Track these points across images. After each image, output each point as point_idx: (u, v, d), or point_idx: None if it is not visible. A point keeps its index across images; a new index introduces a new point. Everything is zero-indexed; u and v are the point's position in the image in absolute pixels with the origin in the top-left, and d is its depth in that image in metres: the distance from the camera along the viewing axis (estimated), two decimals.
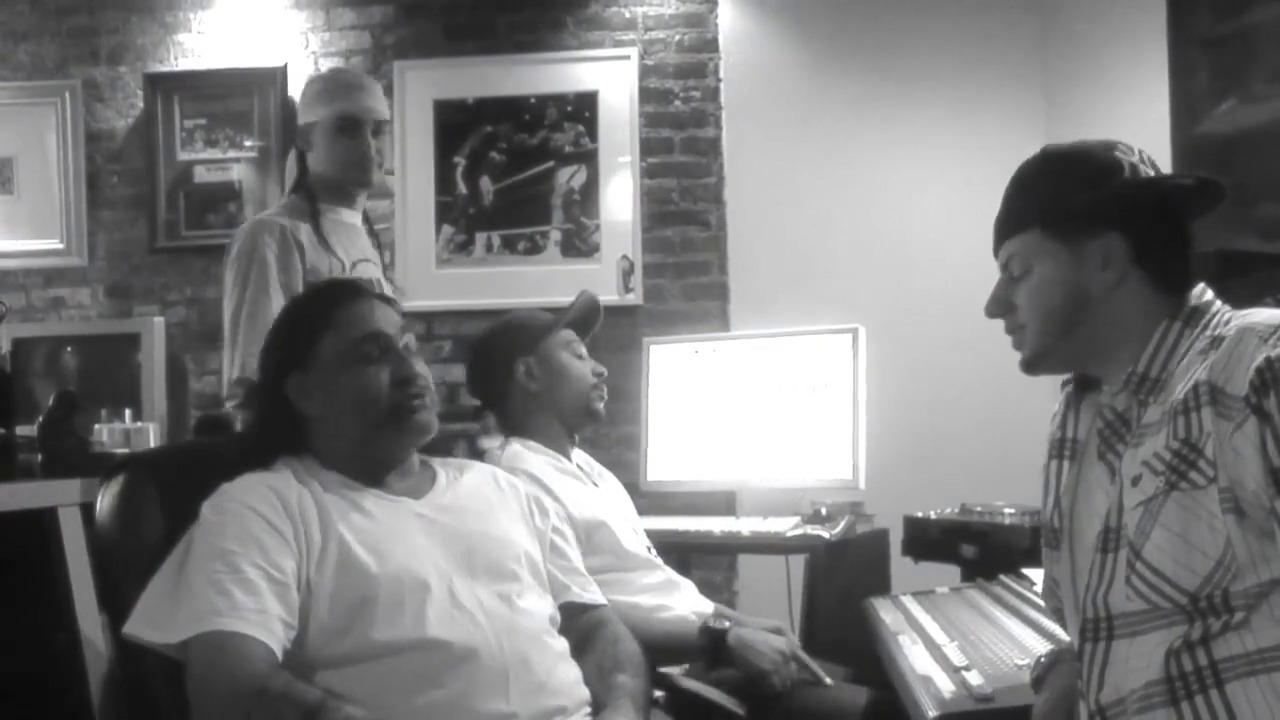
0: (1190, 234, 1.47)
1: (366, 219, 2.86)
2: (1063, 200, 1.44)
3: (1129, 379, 1.41)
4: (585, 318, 2.52)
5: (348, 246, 2.71)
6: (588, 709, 1.68)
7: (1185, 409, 1.29)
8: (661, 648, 2.03)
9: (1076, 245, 1.43)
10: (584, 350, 2.46)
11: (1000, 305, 1.52)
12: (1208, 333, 1.36)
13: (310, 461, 1.76)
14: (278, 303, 2.51)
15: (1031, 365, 1.52)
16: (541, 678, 1.63)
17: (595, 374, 2.43)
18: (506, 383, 2.39)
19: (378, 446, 1.76)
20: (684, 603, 2.28)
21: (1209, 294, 1.44)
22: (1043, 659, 1.60)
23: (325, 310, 1.78)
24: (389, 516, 1.70)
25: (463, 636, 1.59)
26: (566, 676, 1.69)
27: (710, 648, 2.11)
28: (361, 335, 1.74)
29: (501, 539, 1.78)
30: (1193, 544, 1.26)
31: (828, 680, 2.17)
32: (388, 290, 2.72)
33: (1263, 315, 1.32)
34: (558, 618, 1.80)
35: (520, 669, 1.61)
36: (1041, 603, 1.97)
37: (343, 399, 1.73)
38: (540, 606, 1.76)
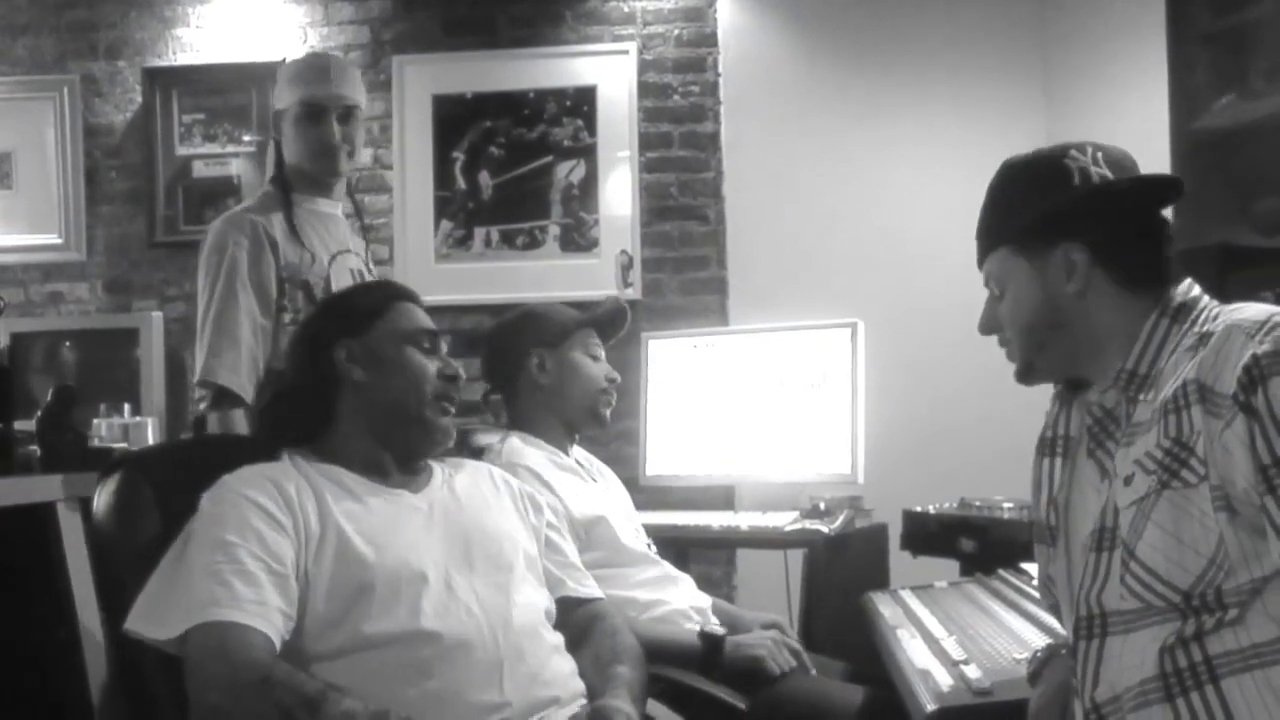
0: (1161, 225, 1.47)
1: (356, 209, 2.81)
2: (1017, 217, 1.47)
3: (1118, 376, 1.41)
4: (610, 322, 2.50)
5: (325, 238, 2.64)
6: (582, 700, 1.69)
7: (1175, 407, 1.30)
8: (663, 655, 2.04)
9: (1039, 259, 1.46)
10: (601, 353, 2.45)
11: (990, 324, 1.56)
12: (1195, 329, 1.37)
13: (310, 454, 1.78)
14: (246, 304, 2.47)
15: (1023, 377, 1.55)
16: (535, 669, 1.64)
17: (608, 379, 2.42)
18: (516, 372, 2.39)
19: (400, 439, 1.79)
20: (681, 597, 2.29)
21: (1195, 289, 1.44)
22: (1039, 653, 1.60)
23: (387, 299, 1.88)
24: (387, 509, 1.72)
25: (457, 627, 1.60)
26: (560, 669, 1.70)
27: (709, 652, 2.11)
28: (419, 327, 1.85)
29: (498, 533, 1.80)
30: (1185, 542, 1.26)
31: (812, 670, 2.20)
32: (361, 268, 2.70)
33: (1249, 311, 1.32)
34: (553, 611, 1.81)
35: (514, 661, 1.62)
36: (1038, 598, 1.98)
37: (392, 372, 1.80)
38: (536, 600, 1.77)
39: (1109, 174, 1.44)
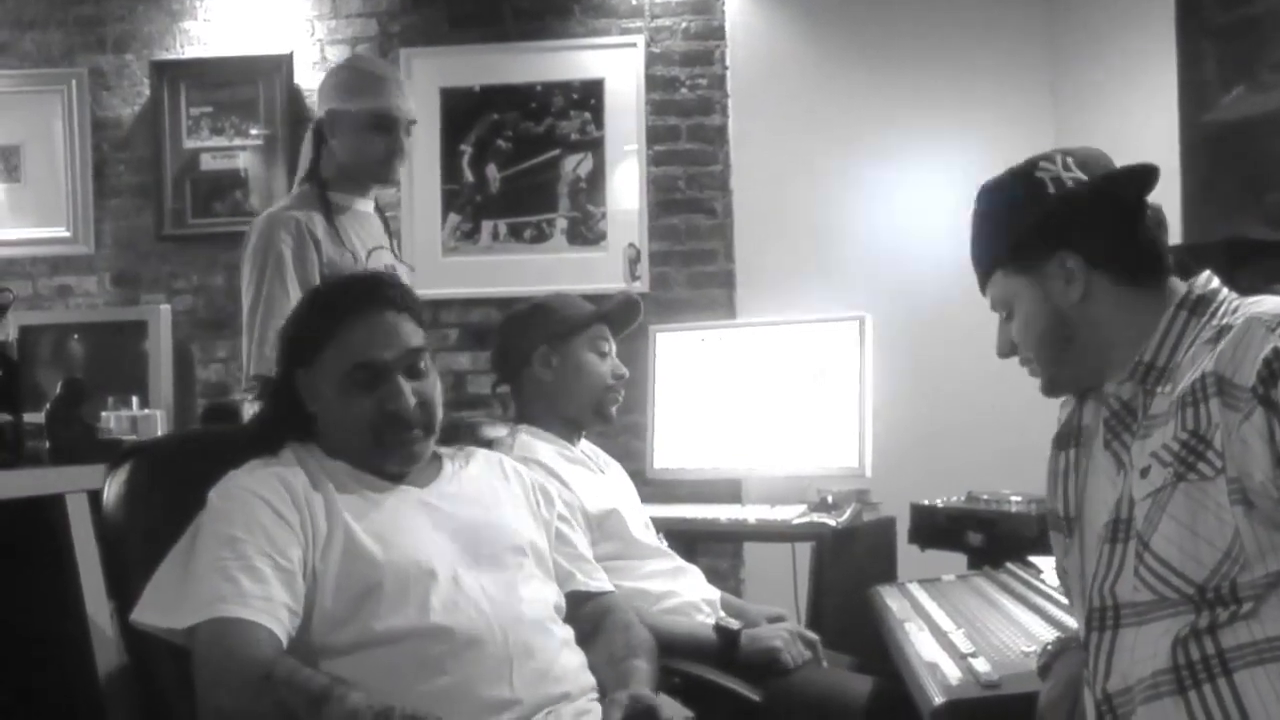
0: (1148, 214, 1.46)
1: (378, 207, 2.86)
2: (1003, 239, 1.48)
3: (1135, 368, 1.41)
4: (622, 315, 2.48)
5: (362, 236, 2.71)
6: (592, 695, 1.68)
7: (1193, 400, 1.29)
8: (678, 649, 2.04)
9: (1037, 274, 1.47)
10: (610, 348, 2.42)
11: (1005, 346, 1.57)
12: (1214, 321, 1.36)
13: (317, 450, 1.76)
14: (295, 296, 2.51)
15: (1049, 390, 1.55)
16: (545, 665, 1.63)
17: (615, 376, 2.40)
18: (522, 366, 2.38)
19: (368, 461, 1.75)
20: (692, 589, 2.29)
21: (1215, 281, 1.43)
22: (1049, 646, 1.60)
23: (335, 320, 1.73)
24: (394, 505, 1.71)
25: (466, 624, 1.59)
26: (570, 663, 1.69)
27: (725, 646, 2.11)
28: (355, 363, 1.70)
29: (506, 527, 1.79)
30: (1200, 535, 1.25)
31: (823, 662, 2.20)
32: (403, 273, 2.73)
33: (1270, 304, 1.31)
34: (563, 605, 1.80)
35: (524, 656, 1.61)
36: (1049, 590, 1.98)
37: (335, 414, 1.74)
38: (545, 594, 1.76)
39: (1082, 176, 1.44)
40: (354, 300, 1.75)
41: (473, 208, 4.19)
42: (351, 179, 2.72)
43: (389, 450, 1.73)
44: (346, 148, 2.68)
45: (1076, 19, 4.01)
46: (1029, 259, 1.46)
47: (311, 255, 2.58)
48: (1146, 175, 1.45)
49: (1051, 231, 1.44)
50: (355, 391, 1.71)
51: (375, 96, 2.66)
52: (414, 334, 1.76)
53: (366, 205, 2.79)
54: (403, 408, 1.71)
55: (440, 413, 1.80)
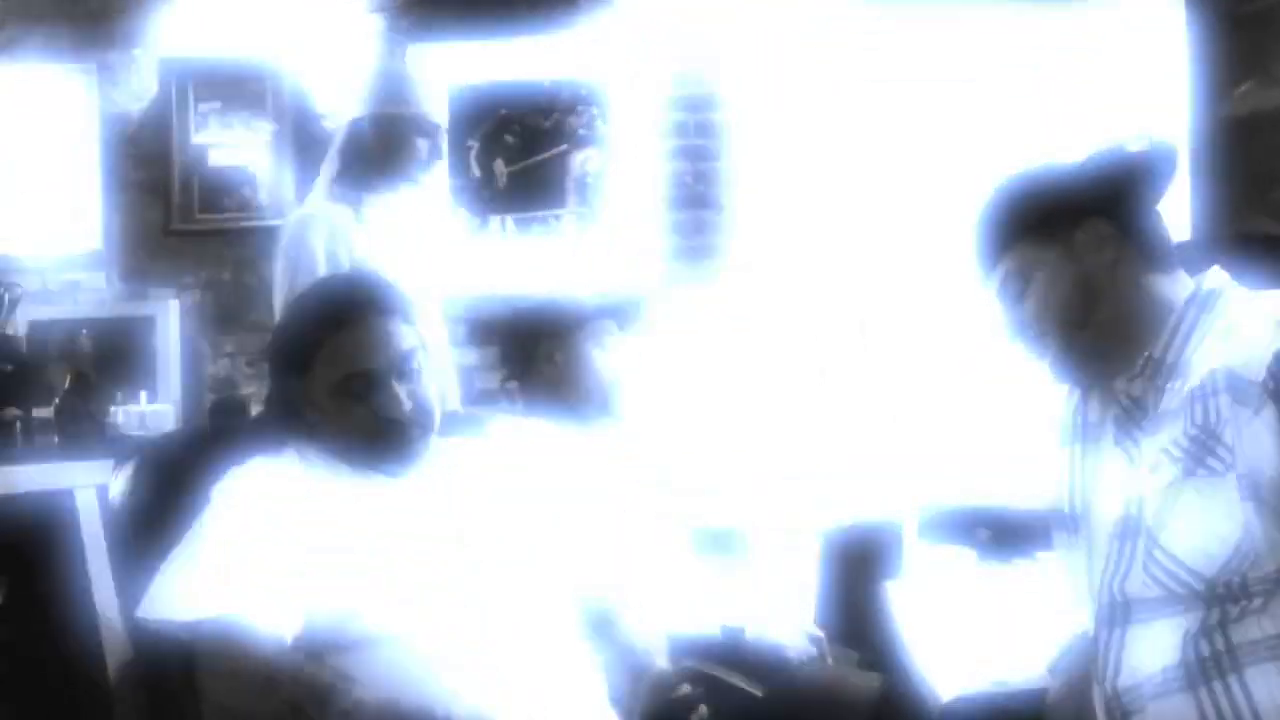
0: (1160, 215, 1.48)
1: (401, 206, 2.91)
2: (1038, 204, 1.47)
3: (1145, 364, 1.40)
4: (626, 312, 2.50)
5: (389, 231, 2.77)
6: (596, 692, 1.68)
7: (1203, 395, 1.29)
8: (683, 645, 2.04)
9: (1066, 241, 1.45)
10: (615, 343, 2.44)
11: (1014, 327, 1.52)
12: (1224, 316, 1.36)
13: (317, 448, 1.76)
14: None
15: (1059, 369, 1.51)
16: (548, 664, 1.63)
17: (620, 370, 2.42)
18: (529, 362, 2.39)
19: (368, 463, 1.74)
20: (696, 584, 2.29)
21: (1224, 276, 1.44)
22: (1058, 643, 1.59)
23: (321, 332, 1.72)
24: (396, 503, 1.70)
25: (465, 624, 1.59)
26: (574, 661, 1.69)
27: (730, 644, 2.11)
28: (344, 375, 1.70)
29: (509, 524, 1.78)
30: (1210, 530, 1.25)
31: (829, 659, 2.21)
32: (422, 267, 2.77)
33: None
34: (566, 603, 1.79)
35: (525, 655, 1.61)
36: (1056, 587, 1.98)
37: (331, 422, 1.73)
38: (548, 591, 1.75)
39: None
40: (338, 310, 1.73)
41: (480, 202, 4.19)
42: (386, 179, 2.77)
43: (387, 453, 1.73)
44: (389, 149, 2.75)
45: (1085, 11, 4.00)
46: (1060, 226, 1.45)
47: (343, 251, 2.63)
48: (1171, 156, 1.46)
49: (1088, 195, 1.44)
50: (349, 401, 1.70)
51: (421, 102, 2.77)
52: (403, 335, 1.74)
53: (395, 205, 2.84)
54: (397, 414, 1.70)
55: (438, 408, 1.79)
